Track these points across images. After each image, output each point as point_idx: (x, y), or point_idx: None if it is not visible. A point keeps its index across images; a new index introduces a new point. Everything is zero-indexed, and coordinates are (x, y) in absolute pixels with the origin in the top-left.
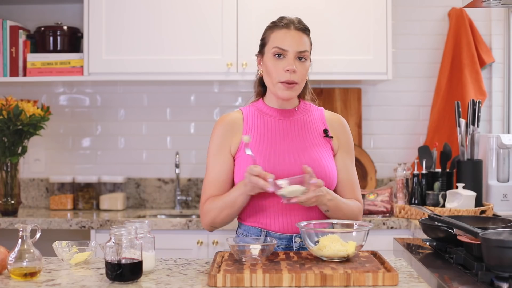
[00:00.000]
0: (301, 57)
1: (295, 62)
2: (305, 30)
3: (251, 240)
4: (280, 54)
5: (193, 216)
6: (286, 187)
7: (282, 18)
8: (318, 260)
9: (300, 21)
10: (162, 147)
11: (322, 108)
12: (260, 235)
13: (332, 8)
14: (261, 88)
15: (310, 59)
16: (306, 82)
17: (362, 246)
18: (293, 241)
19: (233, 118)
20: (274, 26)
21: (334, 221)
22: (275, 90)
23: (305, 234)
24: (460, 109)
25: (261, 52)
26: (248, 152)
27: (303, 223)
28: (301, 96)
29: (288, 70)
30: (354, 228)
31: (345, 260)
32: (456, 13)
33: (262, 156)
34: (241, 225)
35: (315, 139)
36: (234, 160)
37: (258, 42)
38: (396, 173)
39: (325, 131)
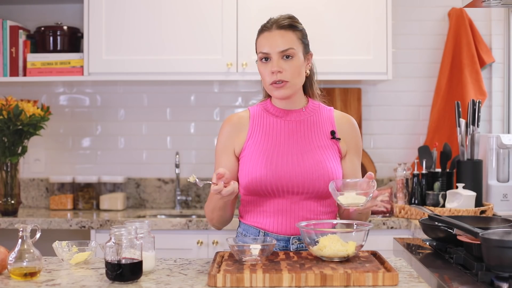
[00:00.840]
0: (287, 55)
1: (279, 62)
2: (289, 26)
3: (251, 240)
4: (266, 58)
5: (193, 216)
6: (345, 195)
7: (269, 19)
8: (318, 260)
9: (285, 18)
10: (162, 147)
11: (332, 108)
12: (258, 235)
13: (331, 8)
14: None
15: (308, 52)
16: (311, 79)
17: (362, 246)
18: (291, 243)
19: (239, 118)
20: (261, 29)
21: (335, 221)
22: (270, 92)
23: (305, 234)
24: (460, 109)
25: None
26: (195, 180)
27: (303, 223)
28: (309, 95)
29: (273, 72)
30: (354, 228)
31: (345, 260)
32: (456, 13)
33: (265, 156)
34: (240, 223)
35: (322, 141)
36: (238, 160)
37: None
38: (396, 173)
39: (332, 133)
